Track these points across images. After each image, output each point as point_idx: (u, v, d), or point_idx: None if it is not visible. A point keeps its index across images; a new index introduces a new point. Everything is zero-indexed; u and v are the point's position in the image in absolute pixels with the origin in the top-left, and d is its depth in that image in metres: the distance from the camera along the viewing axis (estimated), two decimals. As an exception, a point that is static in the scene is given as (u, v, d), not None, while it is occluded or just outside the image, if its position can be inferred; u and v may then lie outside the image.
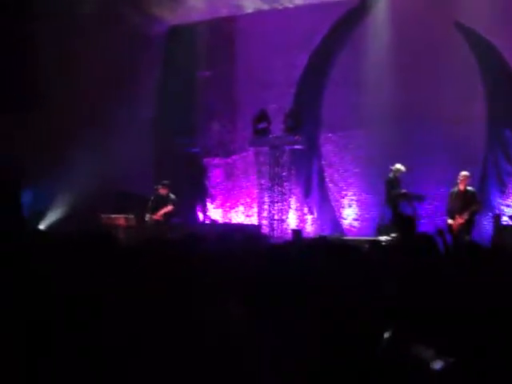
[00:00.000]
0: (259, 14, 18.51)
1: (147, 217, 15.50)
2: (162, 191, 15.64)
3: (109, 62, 16.81)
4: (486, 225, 15.88)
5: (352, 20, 17.86)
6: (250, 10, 18.47)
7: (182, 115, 18.68)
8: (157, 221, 15.46)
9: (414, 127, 16.66)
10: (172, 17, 18.49)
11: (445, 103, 16.29)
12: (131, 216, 15.90)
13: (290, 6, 18.09)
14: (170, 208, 15.63)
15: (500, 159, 16.43)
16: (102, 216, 15.84)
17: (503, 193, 16.31)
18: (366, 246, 8.12)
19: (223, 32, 19.03)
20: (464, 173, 14.51)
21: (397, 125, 16.74)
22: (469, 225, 14.24)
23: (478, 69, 16.58)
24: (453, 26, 16.62)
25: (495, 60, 16.40)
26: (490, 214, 15.73)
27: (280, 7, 18.23)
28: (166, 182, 15.76)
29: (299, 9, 18.06)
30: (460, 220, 14.12)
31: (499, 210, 15.84)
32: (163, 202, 15.59)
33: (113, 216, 15.89)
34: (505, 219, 15.18)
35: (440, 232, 7.89)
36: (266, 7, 18.27)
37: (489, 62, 16.50)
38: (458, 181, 14.45)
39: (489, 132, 16.52)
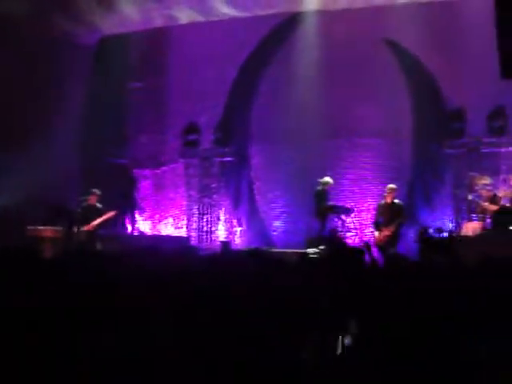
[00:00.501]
0: (192, 25, 18.45)
1: (75, 228, 15.27)
2: (92, 200, 15.38)
3: (35, 69, 16.57)
4: (413, 238, 16.13)
5: (282, 34, 17.99)
6: (183, 22, 18.40)
7: (113, 126, 18.53)
8: (87, 232, 15.22)
9: (343, 141, 16.89)
10: (104, 26, 18.32)
11: (373, 118, 16.55)
12: (59, 228, 15.62)
13: (222, 18, 18.09)
14: (110, 214, 15.42)
15: (426, 173, 16.73)
16: (29, 228, 15.50)
17: (429, 206, 16.60)
18: (294, 258, 8.20)
19: (156, 43, 18.95)
20: (391, 186, 14.74)
21: (325, 138, 16.93)
22: (395, 238, 14.45)
23: (406, 84, 16.89)
24: (381, 42, 16.90)
25: (421, 75, 16.73)
26: (417, 227, 15.97)
27: (212, 19, 18.23)
28: (95, 190, 15.47)
29: (230, 21, 18.08)
30: (386, 232, 14.32)
31: (426, 223, 16.09)
32: (91, 212, 15.35)
33: (40, 228, 15.58)
34: (431, 232, 15.42)
35: (367, 245, 8.01)
36: (198, 19, 18.25)
37: (415, 77, 16.83)
38: (385, 194, 14.68)
39: (416, 147, 16.81)
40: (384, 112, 16.59)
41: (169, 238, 17.62)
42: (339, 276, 4.71)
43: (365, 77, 16.72)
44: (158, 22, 18.47)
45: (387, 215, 14.45)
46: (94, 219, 15.20)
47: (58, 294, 3.69)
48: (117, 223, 17.85)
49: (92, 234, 15.19)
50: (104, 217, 15.30)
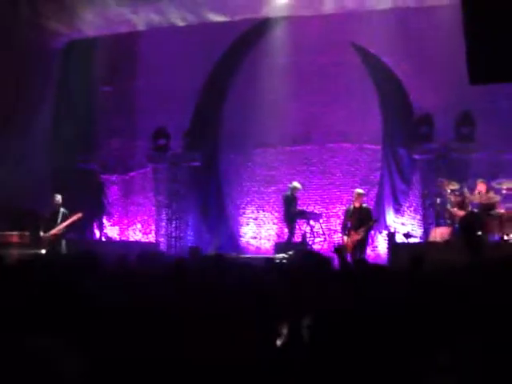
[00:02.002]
0: (160, 30, 18.42)
1: (42, 233, 15.18)
2: (55, 205, 15.38)
3: (4, 73, 16.44)
4: (382, 242, 16.21)
5: (251, 40, 18.00)
6: (149, 27, 18.35)
7: (82, 130, 18.41)
8: (53, 236, 15.14)
9: (312, 146, 16.92)
10: (71, 31, 18.20)
11: (342, 123, 16.62)
12: (26, 233, 15.50)
13: (191, 23, 18.06)
14: (76, 217, 15.34)
15: (395, 178, 16.81)
16: (-5, 233, 15.35)
17: (398, 211, 16.69)
18: (263, 263, 8.18)
19: (125, 48, 18.85)
20: (358, 190, 14.80)
21: (295, 144, 16.98)
22: (363, 242, 14.49)
23: (374, 89, 16.97)
24: (350, 47, 16.97)
25: (390, 80, 16.83)
26: (386, 232, 16.03)
27: (180, 24, 18.18)
28: (57, 195, 15.47)
29: (199, 26, 18.05)
30: (355, 236, 14.34)
31: (394, 228, 16.17)
32: (56, 216, 15.31)
33: (6, 233, 15.42)
34: (399, 237, 15.50)
35: (338, 249, 8.00)
36: (167, 24, 18.20)
37: (384, 83, 16.93)
38: (354, 198, 14.72)
39: (384, 151, 16.90)
40: (353, 117, 16.67)
41: (137, 243, 17.52)
42: (307, 279, 4.68)
43: (334, 82, 16.80)
44: (122, 28, 18.39)
45: (355, 220, 14.48)
46: (60, 223, 15.17)
47: (23, 299, 3.64)
48: (84, 228, 17.73)
49: (58, 238, 15.12)
50: (69, 220, 15.27)
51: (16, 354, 2.29)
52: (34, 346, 2.28)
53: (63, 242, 15.12)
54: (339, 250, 8.07)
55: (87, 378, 2.58)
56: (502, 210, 13.92)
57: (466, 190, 14.66)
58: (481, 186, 14.51)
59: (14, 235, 15.34)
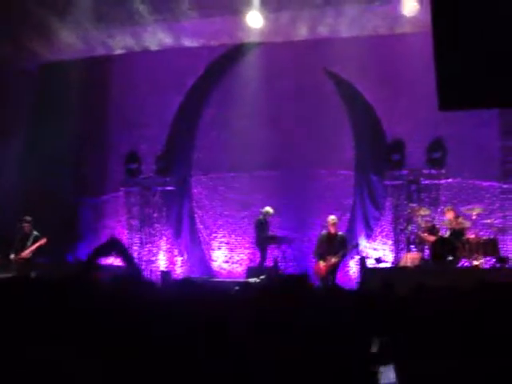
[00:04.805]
0: (133, 54, 18.45)
1: (12, 256, 15.07)
2: (26, 228, 15.29)
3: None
4: (353, 267, 16.28)
5: (225, 65, 18.09)
6: (123, 50, 18.39)
7: (54, 154, 18.29)
8: (23, 259, 15.03)
9: (284, 172, 16.97)
10: (45, 52, 18.17)
11: (315, 149, 16.70)
12: (-5, 255, 15.37)
13: (164, 48, 18.12)
14: (42, 241, 15.24)
15: (367, 203, 16.90)
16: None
17: (369, 237, 16.76)
18: (236, 288, 8.16)
19: (97, 71, 18.81)
20: (332, 217, 14.86)
21: (268, 169, 17.03)
22: (335, 268, 14.52)
23: (347, 115, 17.11)
24: (322, 73, 17.10)
25: (361, 106, 16.97)
26: (357, 256, 16.10)
27: (154, 49, 18.23)
28: (28, 218, 15.37)
29: (173, 51, 18.12)
30: (332, 260, 14.35)
31: (366, 253, 16.24)
32: (27, 239, 15.21)
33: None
34: (371, 262, 15.57)
35: (305, 275, 8.01)
36: (140, 48, 18.23)
37: (356, 108, 17.07)
38: (328, 224, 14.76)
39: (357, 177, 17.00)
40: (326, 143, 16.78)
41: (109, 266, 17.37)
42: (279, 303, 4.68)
43: (307, 108, 16.90)
44: (99, 51, 18.40)
45: (330, 246, 14.51)
46: (29, 246, 15.08)
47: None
48: (56, 252, 17.60)
49: (28, 261, 15.01)
50: (36, 244, 15.17)
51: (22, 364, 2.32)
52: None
53: (32, 266, 15.00)
54: (306, 275, 8.08)
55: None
56: (472, 236, 14.04)
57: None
58: (449, 214, 14.65)
59: (-16, 258, 15.21)
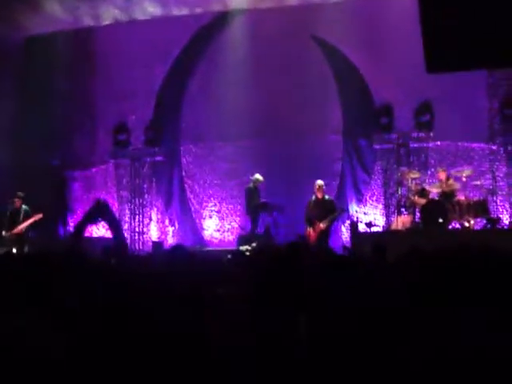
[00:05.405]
0: (119, 25, 18.36)
1: (4, 232, 15.02)
2: (17, 203, 15.21)
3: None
4: (344, 232, 16.33)
5: (211, 33, 17.98)
6: (110, 21, 18.28)
7: (44, 126, 18.18)
8: (16, 235, 14.98)
9: (273, 140, 16.93)
10: (30, 25, 18.03)
11: (302, 115, 16.65)
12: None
13: (150, 17, 18.02)
14: (38, 216, 15.17)
15: (356, 168, 16.92)
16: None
17: (360, 201, 16.81)
18: (228, 256, 8.18)
19: (83, 43, 18.71)
20: (319, 182, 14.83)
21: (256, 137, 16.99)
22: (326, 233, 14.55)
23: (334, 81, 17.07)
24: (309, 39, 17.03)
25: (349, 71, 16.93)
26: (348, 221, 16.15)
27: (140, 18, 18.13)
28: (19, 193, 15.29)
29: (158, 20, 18.03)
30: (321, 226, 14.38)
31: (357, 218, 16.29)
32: (18, 215, 15.15)
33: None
34: (362, 226, 15.61)
35: (300, 239, 8.05)
36: (126, 18, 18.12)
37: (343, 74, 17.03)
38: (315, 189, 14.76)
39: (345, 142, 17.00)
40: (314, 109, 16.72)
41: (101, 239, 17.41)
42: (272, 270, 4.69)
43: (295, 74, 16.83)
44: (85, 21, 18.28)
45: (320, 211, 14.54)
46: (21, 222, 15.02)
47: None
48: (47, 226, 17.58)
49: (20, 237, 14.97)
50: (30, 220, 15.10)
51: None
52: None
53: (25, 241, 14.98)
54: (302, 239, 8.11)
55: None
56: (462, 198, 14.08)
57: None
58: (441, 175, 14.67)
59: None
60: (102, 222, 16.66)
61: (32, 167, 17.75)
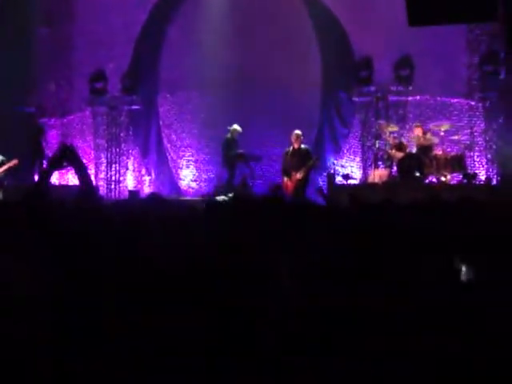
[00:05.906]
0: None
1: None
2: None
3: None
4: (321, 184, 16.34)
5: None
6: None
7: (20, 73, 17.94)
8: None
9: (252, 90, 16.84)
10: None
11: (281, 66, 16.54)
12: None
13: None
14: (13, 163, 15.06)
15: (334, 121, 16.91)
16: None
17: (337, 153, 16.82)
18: (204, 205, 8.15)
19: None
20: (296, 131, 14.84)
21: (234, 87, 16.88)
22: (304, 183, 14.57)
23: (314, 32, 16.94)
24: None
25: (329, 23, 16.80)
26: (325, 173, 16.16)
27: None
28: None
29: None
30: (297, 176, 14.41)
31: (334, 170, 16.30)
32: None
33: None
34: (339, 179, 15.64)
35: (276, 188, 8.03)
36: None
37: (324, 25, 16.89)
38: (293, 140, 14.76)
39: (324, 95, 16.95)
40: (293, 60, 16.62)
41: (76, 187, 17.28)
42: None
43: (274, 24, 16.68)
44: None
45: (296, 161, 14.57)
46: None
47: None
48: (23, 174, 17.47)
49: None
50: (5, 166, 15.00)
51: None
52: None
53: (1, 189, 14.90)
54: (277, 188, 8.10)
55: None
56: (440, 152, 14.13)
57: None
58: (416, 130, 14.73)
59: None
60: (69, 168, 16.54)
61: (6, 115, 17.55)
